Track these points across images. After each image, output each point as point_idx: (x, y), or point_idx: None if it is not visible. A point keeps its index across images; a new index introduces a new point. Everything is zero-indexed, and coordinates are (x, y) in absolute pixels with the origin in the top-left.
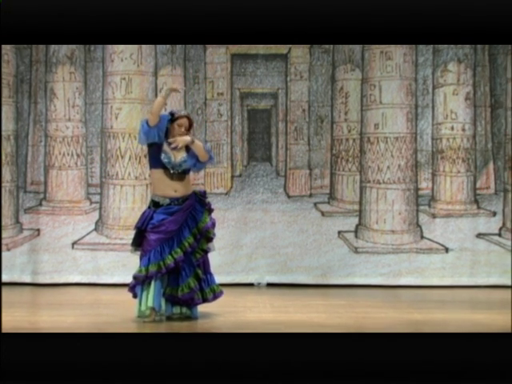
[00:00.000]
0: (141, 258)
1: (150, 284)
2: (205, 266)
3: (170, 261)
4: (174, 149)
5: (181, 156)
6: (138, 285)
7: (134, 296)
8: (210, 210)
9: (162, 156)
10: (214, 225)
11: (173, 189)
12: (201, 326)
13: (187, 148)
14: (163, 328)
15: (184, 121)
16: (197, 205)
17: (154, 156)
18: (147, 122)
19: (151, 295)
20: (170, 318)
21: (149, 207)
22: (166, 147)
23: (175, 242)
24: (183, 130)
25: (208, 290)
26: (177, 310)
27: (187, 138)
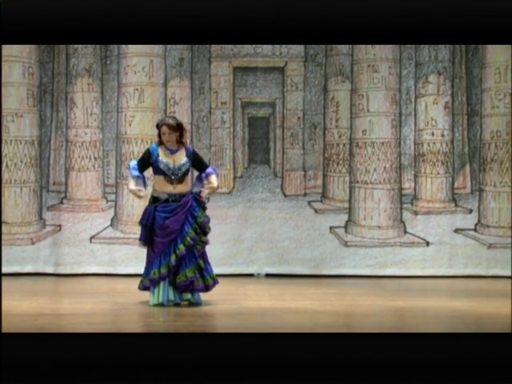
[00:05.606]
0: (152, 261)
1: (160, 283)
2: (204, 256)
3: (173, 259)
4: (173, 153)
5: (179, 160)
6: (152, 285)
7: (146, 289)
8: (205, 208)
9: (161, 166)
10: (208, 220)
11: (172, 187)
12: (204, 311)
13: (187, 153)
14: (172, 314)
15: (164, 129)
16: (194, 202)
17: (155, 168)
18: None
19: (161, 293)
20: (177, 305)
21: (149, 204)
22: (162, 157)
23: (179, 239)
24: (167, 135)
25: (208, 277)
26: (185, 296)
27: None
